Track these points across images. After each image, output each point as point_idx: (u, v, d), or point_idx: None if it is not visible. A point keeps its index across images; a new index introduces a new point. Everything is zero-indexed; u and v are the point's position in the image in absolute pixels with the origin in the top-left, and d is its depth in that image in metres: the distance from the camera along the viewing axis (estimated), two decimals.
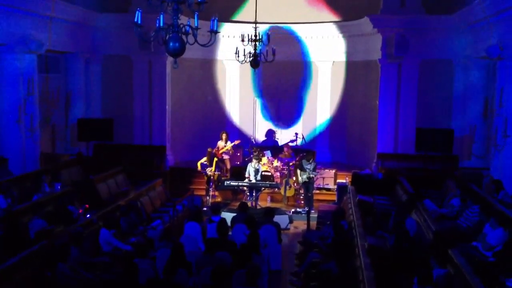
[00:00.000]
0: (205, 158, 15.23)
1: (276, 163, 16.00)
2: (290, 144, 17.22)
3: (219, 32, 7.32)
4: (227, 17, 18.01)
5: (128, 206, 10.79)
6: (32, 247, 7.85)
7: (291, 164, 15.44)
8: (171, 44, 6.45)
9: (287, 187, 15.28)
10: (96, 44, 16.90)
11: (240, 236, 9.33)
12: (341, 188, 14.55)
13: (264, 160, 15.93)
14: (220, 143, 16.22)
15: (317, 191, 15.61)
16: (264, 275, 8.14)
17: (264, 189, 14.89)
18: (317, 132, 18.99)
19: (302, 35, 18.52)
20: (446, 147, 14.78)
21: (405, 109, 16.26)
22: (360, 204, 11.33)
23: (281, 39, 16.96)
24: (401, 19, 15.77)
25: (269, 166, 15.85)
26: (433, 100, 16.19)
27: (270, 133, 18.99)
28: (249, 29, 13.75)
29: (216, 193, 15.56)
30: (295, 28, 18.41)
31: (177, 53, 6.53)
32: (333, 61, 18.62)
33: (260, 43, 13.31)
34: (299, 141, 17.27)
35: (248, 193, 14.62)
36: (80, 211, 10.80)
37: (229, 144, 16.22)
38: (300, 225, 13.34)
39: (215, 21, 6.92)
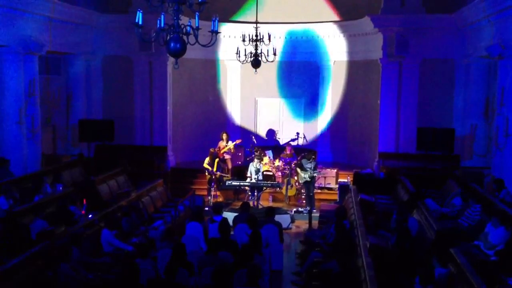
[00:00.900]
0: (208, 159, 15.24)
1: (277, 162, 16.01)
2: (292, 143, 17.21)
3: (220, 32, 7.32)
4: (228, 17, 18.03)
5: (130, 206, 10.82)
6: (34, 247, 7.86)
7: (292, 164, 15.44)
8: (172, 44, 6.47)
9: (289, 186, 15.29)
10: (97, 45, 16.91)
11: (242, 235, 9.34)
12: (343, 187, 14.57)
13: (266, 159, 15.94)
14: (221, 143, 16.24)
15: (319, 191, 15.64)
16: (265, 275, 8.14)
17: (266, 189, 14.92)
18: (319, 131, 19.01)
19: (306, 34, 18.55)
20: (447, 147, 14.75)
21: (406, 108, 16.26)
22: (362, 204, 11.31)
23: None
24: (401, 19, 15.79)
25: (270, 166, 15.85)
26: (434, 99, 16.19)
27: (271, 133, 18.99)
28: (250, 29, 13.79)
29: (218, 193, 15.58)
30: (295, 28, 18.42)
31: (178, 53, 6.54)
32: (334, 61, 18.65)
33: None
34: (300, 141, 17.27)
35: (250, 193, 14.64)
36: (83, 212, 10.80)
37: (231, 144, 16.23)
38: (301, 224, 13.37)
39: (216, 21, 6.93)
